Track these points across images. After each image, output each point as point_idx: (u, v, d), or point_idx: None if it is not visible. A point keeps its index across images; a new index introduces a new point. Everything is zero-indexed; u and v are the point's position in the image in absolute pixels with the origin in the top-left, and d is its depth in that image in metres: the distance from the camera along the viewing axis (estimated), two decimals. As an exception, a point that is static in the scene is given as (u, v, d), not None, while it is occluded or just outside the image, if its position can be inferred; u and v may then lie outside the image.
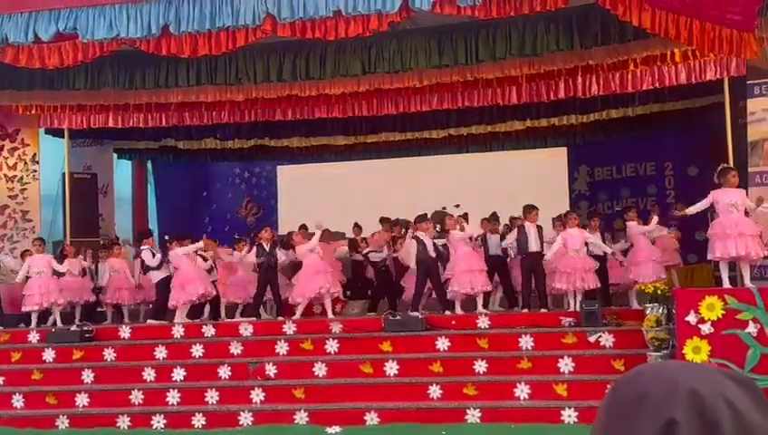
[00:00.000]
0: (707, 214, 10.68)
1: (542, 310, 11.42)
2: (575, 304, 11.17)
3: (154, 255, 12.66)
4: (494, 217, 13.02)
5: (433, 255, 11.80)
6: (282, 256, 12.68)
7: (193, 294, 12.15)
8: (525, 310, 11.51)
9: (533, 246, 11.57)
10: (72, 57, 10.63)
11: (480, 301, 11.65)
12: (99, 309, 13.70)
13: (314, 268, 11.99)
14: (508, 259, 12.45)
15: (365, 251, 13.74)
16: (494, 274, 12.24)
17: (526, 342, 10.37)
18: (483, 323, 10.93)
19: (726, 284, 9.75)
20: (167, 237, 13.45)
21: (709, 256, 10.08)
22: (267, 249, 12.48)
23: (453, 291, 11.55)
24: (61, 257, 13.02)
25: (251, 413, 10.23)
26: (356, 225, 15.72)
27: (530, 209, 11.79)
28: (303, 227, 13.52)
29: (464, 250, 11.68)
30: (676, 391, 1.10)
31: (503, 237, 12.38)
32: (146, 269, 12.85)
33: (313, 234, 12.37)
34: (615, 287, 12.43)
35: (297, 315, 11.96)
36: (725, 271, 9.87)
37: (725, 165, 10.36)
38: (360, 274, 14.76)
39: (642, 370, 1.20)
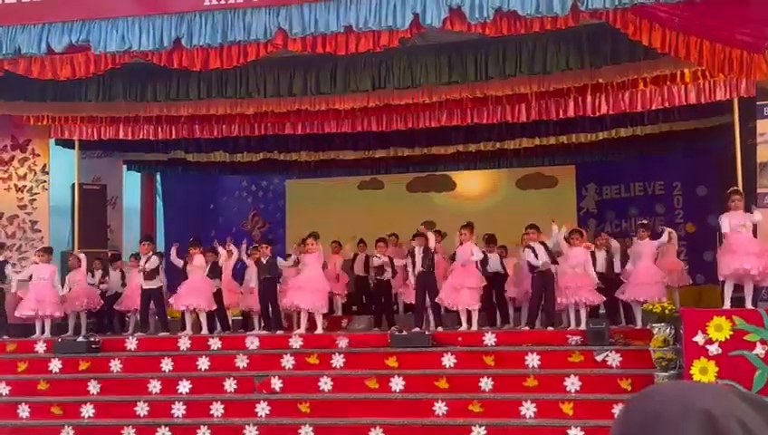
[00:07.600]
0: (716, 234, 10.66)
1: (549, 328, 11.40)
2: (575, 323, 11.26)
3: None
4: (491, 240, 13.11)
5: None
6: (281, 261, 12.97)
7: None
8: (527, 328, 11.59)
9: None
10: (83, 69, 10.68)
11: (464, 317, 11.60)
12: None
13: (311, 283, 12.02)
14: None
15: None
16: (493, 289, 12.53)
17: (533, 360, 10.34)
18: (489, 340, 10.90)
19: (727, 304, 9.73)
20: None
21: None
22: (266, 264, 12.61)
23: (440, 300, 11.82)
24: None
25: (256, 427, 10.21)
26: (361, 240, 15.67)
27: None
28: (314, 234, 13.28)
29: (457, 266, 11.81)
30: (689, 412, 1.11)
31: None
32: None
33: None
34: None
35: (296, 328, 11.93)
36: (729, 290, 9.86)
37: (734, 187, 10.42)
38: (364, 288, 14.72)
39: (654, 390, 1.21)
